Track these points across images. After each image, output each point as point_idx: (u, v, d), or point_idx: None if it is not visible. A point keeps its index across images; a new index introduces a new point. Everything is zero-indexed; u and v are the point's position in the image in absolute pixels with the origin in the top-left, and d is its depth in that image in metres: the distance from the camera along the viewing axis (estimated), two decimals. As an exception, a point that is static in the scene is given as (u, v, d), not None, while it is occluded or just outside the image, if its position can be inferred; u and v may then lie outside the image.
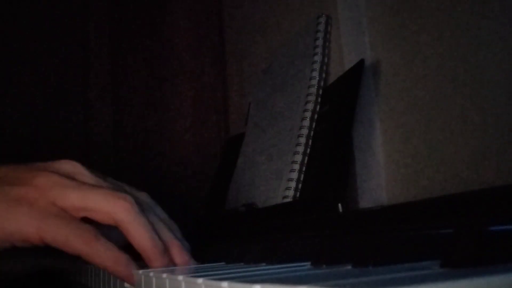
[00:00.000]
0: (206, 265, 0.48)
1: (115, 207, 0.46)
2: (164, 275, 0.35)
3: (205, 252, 0.62)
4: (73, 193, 0.46)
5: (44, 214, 0.45)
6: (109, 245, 0.45)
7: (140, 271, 0.43)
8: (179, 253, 0.49)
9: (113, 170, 1.15)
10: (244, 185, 0.85)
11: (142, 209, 0.48)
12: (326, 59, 0.74)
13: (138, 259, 0.48)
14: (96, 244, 0.45)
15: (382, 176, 0.64)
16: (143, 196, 0.52)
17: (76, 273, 0.71)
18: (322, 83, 0.73)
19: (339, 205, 0.57)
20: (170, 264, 0.48)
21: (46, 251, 0.65)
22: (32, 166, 0.49)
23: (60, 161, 0.50)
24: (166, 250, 0.48)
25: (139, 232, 0.46)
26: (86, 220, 0.47)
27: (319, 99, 0.72)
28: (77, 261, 0.68)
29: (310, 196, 0.65)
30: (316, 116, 0.71)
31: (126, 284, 0.47)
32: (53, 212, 0.45)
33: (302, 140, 0.70)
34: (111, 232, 0.48)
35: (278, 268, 0.34)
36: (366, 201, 0.64)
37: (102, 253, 0.45)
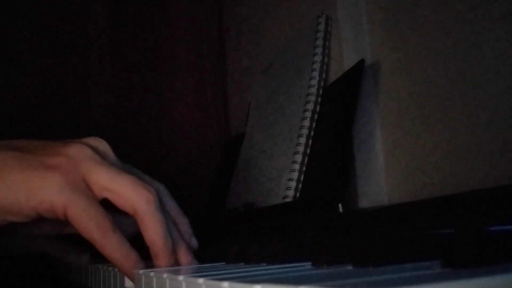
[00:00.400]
0: (206, 265, 0.48)
1: (139, 196, 0.46)
2: (165, 275, 0.35)
3: (205, 252, 0.62)
4: (103, 171, 0.46)
5: (75, 189, 0.45)
6: (123, 240, 0.45)
7: (141, 271, 0.43)
8: (184, 254, 0.49)
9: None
10: (244, 185, 0.85)
11: (161, 203, 0.48)
12: (326, 59, 0.74)
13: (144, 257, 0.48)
14: (112, 236, 0.45)
15: (382, 176, 0.64)
16: (162, 189, 0.52)
17: (76, 273, 0.71)
18: (322, 83, 0.73)
19: (339, 205, 0.57)
20: (175, 264, 0.48)
21: (45, 253, 0.65)
22: (61, 140, 0.49)
23: (91, 138, 0.50)
24: (173, 250, 0.48)
25: (154, 227, 0.46)
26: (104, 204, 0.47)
27: (319, 99, 0.72)
28: (75, 262, 0.68)
29: (310, 196, 0.65)
30: (316, 116, 0.71)
31: (126, 284, 0.47)
32: (83, 189, 0.45)
33: (302, 140, 0.70)
34: (123, 220, 0.48)
35: (279, 268, 0.34)
36: (366, 201, 0.64)
37: (115, 246, 0.45)
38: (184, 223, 0.52)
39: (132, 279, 0.46)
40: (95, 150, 0.48)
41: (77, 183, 0.45)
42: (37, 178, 0.45)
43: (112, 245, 0.45)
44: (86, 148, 0.47)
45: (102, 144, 0.50)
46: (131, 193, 0.46)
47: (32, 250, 0.64)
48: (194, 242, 0.53)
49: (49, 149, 0.47)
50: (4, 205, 0.44)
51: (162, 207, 0.48)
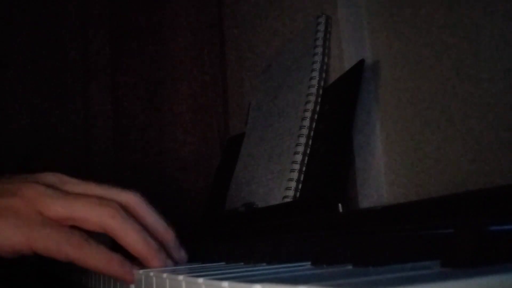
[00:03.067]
0: (206, 265, 0.48)
1: (101, 215, 0.46)
2: (165, 275, 0.35)
3: (205, 252, 0.62)
4: (58, 202, 0.46)
5: (32, 224, 0.45)
6: (100, 247, 0.45)
7: (141, 271, 0.43)
8: (172, 246, 0.50)
9: (113, 170, 1.15)
10: (244, 185, 0.85)
11: (130, 212, 0.48)
12: (326, 59, 0.74)
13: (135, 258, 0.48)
14: (87, 248, 0.45)
15: (382, 176, 0.64)
16: (131, 196, 0.51)
17: (76, 273, 0.71)
18: (322, 83, 0.73)
19: (339, 205, 0.57)
20: (169, 262, 0.49)
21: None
22: (16, 177, 0.49)
23: (45, 173, 0.50)
24: (161, 248, 0.48)
25: (129, 236, 0.46)
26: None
27: (319, 99, 0.72)
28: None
29: (310, 196, 0.65)
30: (316, 116, 0.71)
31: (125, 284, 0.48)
32: (41, 221, 0.45)
33: (302, 140, 0.70)
34: (100, 236, 0.48)
35: (278, 268, 0.34)
36: (366, 201, 0.64)
37: (94, 256, 0.45)
38: (162, 229, 0.52)
39: (127, 281, 0.46)
40: (48, 185, 0.48)
41: (33, 219, 0.45)
42: None
43: (90, 256, 0.45)
44: (38, 185, 0.47)
45: (56, 177, 0.50)
46: (92, 215, 0.46)
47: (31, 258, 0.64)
48: (182, 253, 0.52)
49: (3, 188, 0.47)
50: None
51: (139, 212, 0.49)
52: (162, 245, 0.49)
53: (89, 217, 0.46)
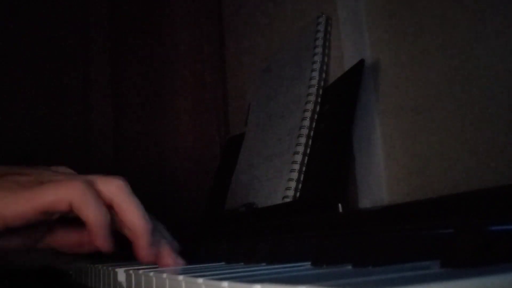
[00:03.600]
0: (206, 265, 0.48)
1: (109, 186, 0.48)
2: (165, 275, 0.35)
3: (205, 252, 0.62)
4: (57, 177, 0.48)
5: (32, 186, 0.46)
6: (100, 201, 0.47)
7: (141, 271, 0.43)
8: (165, 248, 0.50)
9: (113, 170, 1.15)
10: (244, 185, 0.85)
11: (101, 189, 0.48)
12: (326, 59, 0.74)
13: (133, 259, 0.49)
14: (89, 193, 0.46)
15: (382, 176, 0.64)
16: (115, 179, 0.51)
17: (76, 273, 0.71)
18: (322, 83, 0.73)
19: (339, 205, 0.57)
20: (156, 247, 0.49)
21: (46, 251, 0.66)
22: (23, 166, 0.50)
23: (54, 166, 0.52)
24: (154, 231, 0.49)
25: (132, 209, 0.48)
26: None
27: (319, 99, 0.72)
28: (76, 261, 0.69)
29: (310, 196, 0.65)
30: (316, 116, 0.71)
31: (119, 278, 0.48)
32: (40, 182, 0.47)
33: (302, 140, 0.70)
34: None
35: (278, 268, 0.34)
36: (366, 201, 0.64)
37: (93, 203, 0.46)
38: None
39: (102, 245, 0.46)
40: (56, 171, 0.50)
41: (35, 183, 0.47)
42: (37, 187, 0.46)
43: (89, 203, 0.46)
44: (46, 169, 0.49)
45: (64, 169, 0.52)
46: (102, 186, 0.48)
47: (29, 265, 0.64)
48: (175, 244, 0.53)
49: (8, 170, 0.48)
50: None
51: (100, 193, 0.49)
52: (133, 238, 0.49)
53: (99, 189, 0.47)
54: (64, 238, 0.53)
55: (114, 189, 0.48)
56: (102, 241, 0.47)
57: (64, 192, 0.46)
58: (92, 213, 0.46)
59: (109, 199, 0.48)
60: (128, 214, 0.48)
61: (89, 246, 0.50)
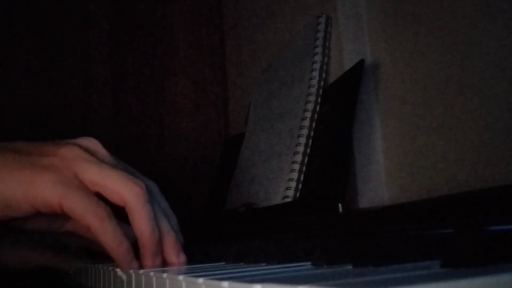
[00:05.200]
0: (206, 265, 0.48)
1: (128, 190, 0.49)
2: (165, 275, 0.35)
3: (205, 252, 0.62)
4: (94, 168, 0.49)
5: (67, 184, 0.48)
6: (117, 228, 0.48)
7: (141, 271, 0.43)
8: (172, 245, 0.52)
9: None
10: (244, 185, 0.85)
11: (150, 197, 0.51)
12: (326, 59, 0.74)
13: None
14: (107, 223, 0.48)
15: (382, 176, 0.64)
16: (152, 185, 0.55)
17: (76, 273, 0.71)
18: (322, 83, 0.73)
19: (339, 205, 0.57)
20: (159, 255, 0.51)
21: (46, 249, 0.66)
22: (57, 141, 0.52)
23: (82, 138, 0.53)
24: (160, 241, 0.51)
25: (142, 219, 0.49)
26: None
27: (319, 99, 0.72)
28: (79, 261, 0.69)
29: (310, 196, 0.65)
30: (316, 116, 0.71)
31: (118, 273, 0.48)
32: (76, 184, 0.48)
33: (302, 140, 0.70)
34: (124, 227, 0.50)
35: (278, 268, 0.34)
36: (366, 201, 0.64)
37: (110, 233, 0.48)
38: (172, 221, 0.54)
39: (122, 268, 0.48)
40: (86, 149, 0.51)
41: (69, 179, 0.48)
42: (33, 177, 0.48)
43: (107, 231, 0.48)
44: (77, 148, 0.50)
45: (93, 144, 0.53)
46: (121, 187, 0.49)
47: (32, 265, 0.65)
48: (180, 238, 0.55)
49: (43, 150, 0.50)
50: (3, 202, 0.48)
51: (151, 201, 0.51)
52: (163, 237, 0.51)
53: (117, 189, 0.49)
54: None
55: (131, 196, 0.49)
56: (122, 264, 0.49)
57: (87, 214, 0.48)
58: (109, 242, 0.48)
59: (123, 202, 0.49)
60: (137, 222, 0.49)
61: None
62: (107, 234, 0.48)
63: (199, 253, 0.59)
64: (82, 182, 0.49)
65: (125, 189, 0.49)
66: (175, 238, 0.52)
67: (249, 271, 0.34)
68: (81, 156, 0.50)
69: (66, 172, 0.48)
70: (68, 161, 0.49)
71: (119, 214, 0.50)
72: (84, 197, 0.48)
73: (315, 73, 0.73)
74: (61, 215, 0.51)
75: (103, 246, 0.49)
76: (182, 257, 0.52)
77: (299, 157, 0.69)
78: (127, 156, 1.21)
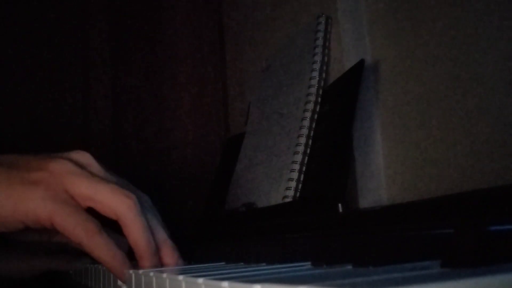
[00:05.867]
0: (206, 265, 0.48)
1: (120, 203, 0.48)
2: (165, 275, 0.35)
3: (205, 252, 0.62)
4: (84, 182, 0.49)
5: (57, 200, 0.47)
6: (109, 241, 0.48)
7: (141, 271, 0.43)
8: (170, 253, 0.52)
9: (113, 170, 1.15)
10: (244, 185, 0.85)
11: (143, 209, 0.50)
12: (326, 59, 0.74)
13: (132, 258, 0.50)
14: (98, 238, 0.47)
15: (382, 176, 0.64)
16: (145, 198, 0.54)
17: (76, 273, 0.71)
18: (322, 83, 0.73)
19: (339, 205, 0.57)
20: (159, 264, 0.51)
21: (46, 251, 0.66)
22: (46, 155, 0.52)
23: (73, 152, 0.53)
24: (157, 251, 0.51)
25: (136, 231, 0.49)
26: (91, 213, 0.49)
27: (319, 99, 0.72)
28: (77, 262, 0.69)
29: (310, 196, 0.65)
30: (316, 116, 0.71)
31: (119, 283, 0.48)
32: (65, 199, 0.48)
33: (302, 140, 0.70)
34: (117, 239, 0.50)
35: (278, 268, 0.34)
36: (366, 201, 0.64)
37: (102, 247, 0.47)
38: (166, 231, 0.54)
39: (121, 279, 0.48)
40: (76, 163, 0.51)
41: (59, 195, 0.48)
42: (22, 192, 0.47)
43: (99, 246, 0.47)
44: (68, 162, 0.50)
45: (85, 157, 0.53)
46: (112, 200, 0.49)
47: (33, 271, 0.65)
48: (179, 262, 0.54)
49: (33, 164, 0.50)
50: None
51: (144, 213, 0.51)
52: (159, 247, 0.51)
53: (108, 202, 0.49)
54: None
55: (123, 209, 0.48)
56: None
57: (77, 230, 0.47)
58: (102, 256, 0.48)
59: (115, 216, 0.49)
60: (131, 234, 0.49)
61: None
62: (99, 249, 0.47)
63: (199, 253, 0.59)
64: (72, 197, 0.49)
65: (116, 202, 0.48)
66: (172, 246, 0.52)
67: (249, 271, 0.34)
68: (71, 171, 0.49)
69: (55, 187, 0.48)
70: (58, 176, 0.48)
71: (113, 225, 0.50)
72: (73, 213, 0.47)
73: (315, 73, 0.73)
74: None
75: (94, 258, 0.49)
76: (181, 264, 0.52)
77: (299, 157, 0.69)
78: (127, 156, 1.21)
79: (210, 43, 1.27)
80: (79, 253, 0.67)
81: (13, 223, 0.48)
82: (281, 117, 0.79)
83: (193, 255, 0.54)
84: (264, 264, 0.39)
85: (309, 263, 0.35)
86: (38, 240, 0.57)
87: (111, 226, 0.50)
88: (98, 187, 0.49)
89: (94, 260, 0.65)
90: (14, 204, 0.47)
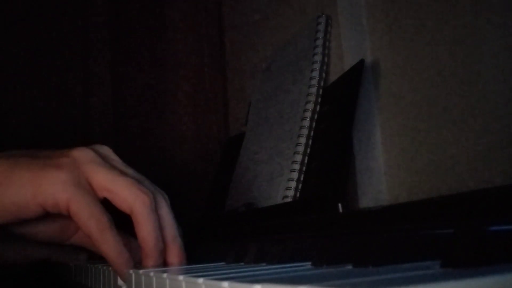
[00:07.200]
0: (206, 265, 0.48)
1: (135, 197, 0.49)
2: (165, 275, 0.35)
3: (205, 252, 0.62)
4: (104, 172, 0.50)
5: (77, 186, 0.48)
6: (118, 239, 0.49)
7: (141, 271, 0.43)
8: (176, 253, 0.52)
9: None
10: (244, 185, 0.85)
11: (158, 206, 0.51)
12: (326, 59, 0.74)
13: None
14: (109, 233, 0.48)
15: (382, 176, 0.64)
16: (161, 195, 0.54)
17: (76, 273, 0.71)
18: (322, 83, 0.73)
19: (339, 205, 0.57)
20: (161, 264, 0.51)
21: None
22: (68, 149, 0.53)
23: (95, 145, 0.54)
24: (163, 251, 0.51)
25: (147, 228, 0.49)
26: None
27: (319, 99, 0.72)
28: (77, 259, 0.69)
29: (310, 196, 0.65)
30: (316, 116, 0.71)
31: (119, 283, 0.48)
32: (85, 187, 0.49)
33: (302, 140, 0.70)
34: (132, 243, 0.52)
35: (278, 268, 0.34)
36: (366, 201, 0.64)
37: (110, 243, 0.48)
38: (178, 231, 0.54)
39: (122, 278, 0.48)
40: (98, 154, 0.52)
41: (80, 181, 0.49)
42: (43, 176, 0.48)
43: (108, 241, 0.48)
44: (90, 151, 0.51)
45: (105, 149, 0.54)
46: (129, 194, 0.49)
47: (30, 259, 0.65)
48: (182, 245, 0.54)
49: (55, 153, 0.51)
50: (14, 201, 0.48)
51: (158, 211, 0.51)
52: (167, 245, 0.51)
53: (124, 196, 0.49)
54: None
55: (138, 204, 0.49)
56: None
57: (89, 221, 0.48)
58: (106, 252, 0.48)
59: (129, 210, 0.49)
60: (141, 231, 0.49)
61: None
62: (107, 244, 0.48)
63: (199, 253, 0.59)
64: (91, 185, 0.49)
65: (132, 196, 0.49)
66: (180, 247, 0.52)
67: (249, 271, 0.34)
68: (93, 159, 0.50)
69: (77, 172, 0.49)
70: (80, 163, 0.49)
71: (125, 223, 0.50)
72: (90, 203, 0.48)
73: (315, 73, 0.73)
74: (67, 228, 0.52)
75: (101, 252, 0.49)
76: (185, 264, 0.52)
77: (299, 157, 0.69)
78: (127, 155, 1.21)
79: (210, 43, 1.27)
80: (77, 249, 0.67)
81: (33, 207, 0.48)
82: (281, 117, 0.79)
83: (193, 255, 0.54)
84: (264, 264, 0.39)
85: (309, 263, 0.35)
86: (55, 239, 0.57)
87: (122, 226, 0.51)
88: (117, 179, 0.49)
89: (92, 258, 0.65)
90: (35, 188, 0.48)
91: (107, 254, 0.48)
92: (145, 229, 0.49)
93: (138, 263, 0.51)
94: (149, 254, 0.49)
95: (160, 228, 0.50)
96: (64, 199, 0.48)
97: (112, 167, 0.51)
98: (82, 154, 0.50)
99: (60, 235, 0.57)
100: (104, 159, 0.52)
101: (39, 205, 0.48)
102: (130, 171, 0.53)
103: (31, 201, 0.48)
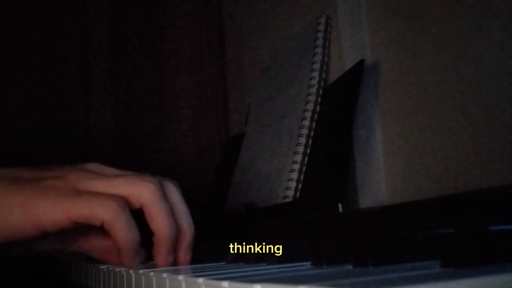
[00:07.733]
0: (206, 265, 0.48)
1: (141, 188, 0.48)
2: (165, 275, 0.35)
3: (205, 252, 0.62)
4: (100, 182, 0.49)
5: (67, 196, 0.47)
6: (131, 221, 0.47)
7: (141, 271, 0.43)
8: (187, 243, 0.51)
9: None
10: (244, 185, 0.85)
11: (167, 194, 0.50)
12: (326, 59, 0.74)
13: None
14: (122, 215, 0.47)
15: (382, 176, 0.64)
16: (169, 182, 0.53)
17: (76, 273, 0.71)
18: (322, 83, 0.73)
19: (339, 205, 0.57)
20: (173, 254, 0.50)
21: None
22: (62, 166, 0.52)
23: (86, 163, 0.53)
24: (175, 238, 0.50)
25: (159, 216, 0.48)
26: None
27: (319, 99, 0.72)
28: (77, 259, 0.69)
29: (310, 196, 0.65)
30: (316, 116, 0.71)
31: (125, 284, 0.48)
32: (75, 193, 0.47)
33: (302, 140, 0.70)
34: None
35: (278, 268, 0.34)
36: (366, 201, 0.64)
37: (124, 225, 0.47)
38: (186, 225, 0.53)
39: (126, 261, 0.48)
40: (90, 171, 0.51)
41: (69, 193, 0.48)
42: (34, 199, 0.47)
43: (121, 223, 0.46)
44: (80, 170, 0.50)
45: (95, 166, 0.52)
46: (133, 189, 0.48)
47: (31, 253, 0.65)
48: (188, 256, 0.54)
49: (46, 174, 0.50)
50: (8, 227, 0.47)
51: (173, 196, 0.51)
52: (182, 232, 0.51)
53: (130, 192, 0.48)
54: (96, 244, 0.54)
55: (145, 195, 0.48)
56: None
57: (97, 210, 0.46)
58: (121, 235, 0.47)
59: (139, 204, 0.48)
60: (154, 219, 0.48)
61: (117, 258, 0.50)
62: (120, 226, 0.46)
63: (199, 253, 0.59)
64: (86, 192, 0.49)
65: (137, 189, 0.48)
66: (192, 237, 0.51)
67: (249, 271, 0.34)
68: (84, 177, 0.49)
69: (66, 189, 0.48)
70: (72, 182, 0.48)
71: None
72: (86, 198, 0.47)
73: (315, 73, 0.73)
74: (69, 236, 0.52)
75: (113, 239, 0.48)
76: (189, 256, 0.52)
77: (299, 157, 0.69)
78: (127, 156, 1.21)
79: (210, 43, 1.27)
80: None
81: (28, 230, 0.47)
82: (281, 117, 0.79)
83: (193, 255, 0.54)
84: (264, 264, 0.39)
85: (309, 263, 0.35)
86: (58, 248, 0.56)
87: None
88: (116, 182, 0.49)
89: (91, 259, 0.65)
90: (26, 211, 0.47)
91: (119, 236, 0.47)
92: (158, 217, 0.48)
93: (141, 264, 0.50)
94: (162, 242, 0.48)
95: (173, 215, 0.49)
96: (60, 216, 0.46)
97: (106, 175, 0.50)
98: (72, 174, 0.49)
99: (60, 245, 0.56)
100: (96, 173, 0.51)
101: (36, 228, 0.47)
102: (126, 171, 0.52)
103: (25, 224, 0.47)
